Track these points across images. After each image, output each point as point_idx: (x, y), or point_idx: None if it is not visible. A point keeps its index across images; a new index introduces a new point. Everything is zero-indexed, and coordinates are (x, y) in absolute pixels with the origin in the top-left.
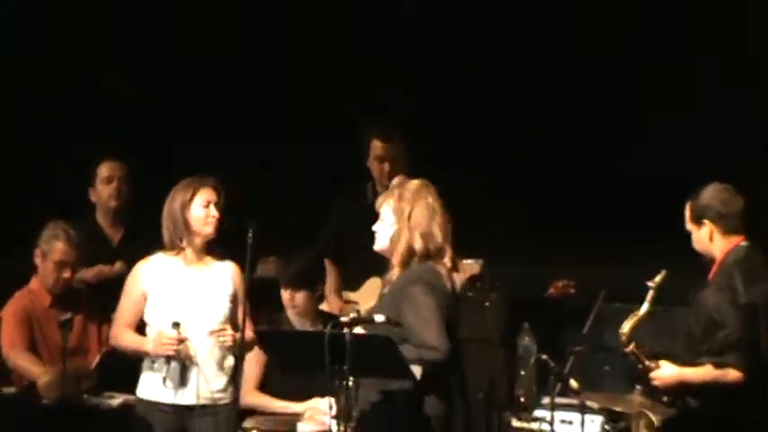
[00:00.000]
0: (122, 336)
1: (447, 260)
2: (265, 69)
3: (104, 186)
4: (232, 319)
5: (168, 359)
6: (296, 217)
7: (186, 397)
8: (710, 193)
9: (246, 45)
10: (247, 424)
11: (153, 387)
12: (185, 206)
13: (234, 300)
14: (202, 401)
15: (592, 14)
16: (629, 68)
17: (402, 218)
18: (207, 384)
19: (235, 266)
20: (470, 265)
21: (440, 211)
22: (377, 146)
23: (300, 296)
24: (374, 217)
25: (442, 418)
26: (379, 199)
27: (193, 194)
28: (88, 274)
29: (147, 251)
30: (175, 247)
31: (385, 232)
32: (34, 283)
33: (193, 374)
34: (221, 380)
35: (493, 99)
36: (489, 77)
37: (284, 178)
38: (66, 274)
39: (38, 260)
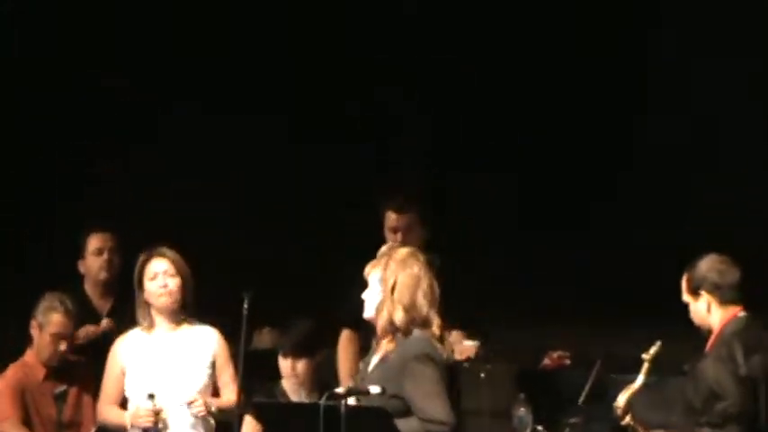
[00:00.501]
0: (105, 412)
1: (435, 329)
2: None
3: (94, 258)
4: (213, 385)
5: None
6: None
7: None
8: (707, 264)
9: (247, 45)
10: None
11: None
12: (139, 284)
13: (213, 365)
14: None
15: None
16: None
17: (386, 288)
18: None
19: (213, 330)
20: (467, 347)
21: (426, 279)
22: (391, 217)
23: (302, 364)
24: None
25: None
26: (367, 267)
27: (141, 271)
28: (77, 336)
29: (135, 322)
30: (147, 323)
31: (372, 300)
32: (29, 356)
33: None
34: None
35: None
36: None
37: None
38: (63, 347)
39: (34, 332)
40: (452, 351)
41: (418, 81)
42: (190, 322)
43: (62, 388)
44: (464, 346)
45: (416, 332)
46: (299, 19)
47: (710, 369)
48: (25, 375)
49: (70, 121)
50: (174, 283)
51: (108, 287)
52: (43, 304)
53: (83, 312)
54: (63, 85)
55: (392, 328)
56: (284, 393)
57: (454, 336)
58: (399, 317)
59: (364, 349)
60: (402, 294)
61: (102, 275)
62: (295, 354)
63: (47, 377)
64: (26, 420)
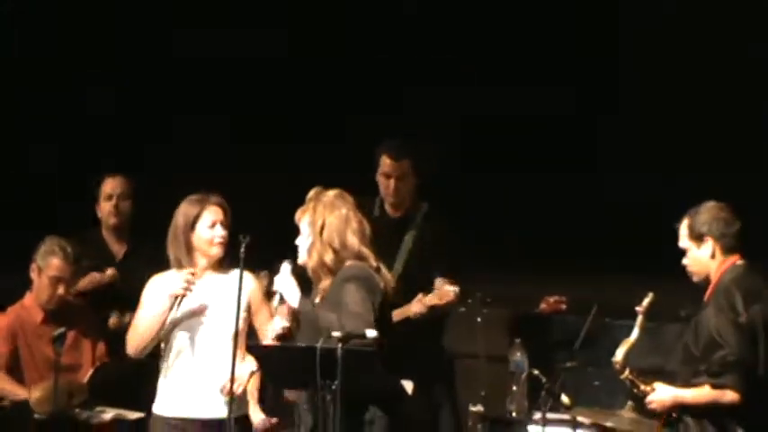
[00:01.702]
0: (138, 321)
1: (372, 262)
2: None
3: (105, 203)
4: (249, 326)
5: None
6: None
7: (201, 411)
8: (712, 212)
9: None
10: None
11: (167, 402)
12: (190, 228)
13: (249, 308)
14: (216, 416)
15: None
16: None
17: (314, 230)
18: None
19: (248, 274)
20: (447, 292)
21: (355, 218)
22: (385, 162)
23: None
24: (377, 230)
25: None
26: (297, 213)
27: (198, 215)
28: (82, 283)
29: (150, 268)
30: (182, 267)
31: (304, 246)
32: (28, 299)
33: (209, 390)
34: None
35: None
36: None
37: (276, 183)
38: (61, 291)
39: (33, 275)
40: (390, 284)
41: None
42: (226, 268)
43: (61, 330)
44: (444, 291)
45: (349, 262)
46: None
47: (711, 318)
48: (21, 317)
49: (72, 122)
50: (226, 233)
51: (119, 232)
52: (43, 248)
53: (99, 254)
54: (63, 85)
55: (324, 269)
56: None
57: (438, 282)
58: (329, 257)
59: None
60: (330, 235)
61: (112, 220)
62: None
63: (45, 320)
64: (19, 362)
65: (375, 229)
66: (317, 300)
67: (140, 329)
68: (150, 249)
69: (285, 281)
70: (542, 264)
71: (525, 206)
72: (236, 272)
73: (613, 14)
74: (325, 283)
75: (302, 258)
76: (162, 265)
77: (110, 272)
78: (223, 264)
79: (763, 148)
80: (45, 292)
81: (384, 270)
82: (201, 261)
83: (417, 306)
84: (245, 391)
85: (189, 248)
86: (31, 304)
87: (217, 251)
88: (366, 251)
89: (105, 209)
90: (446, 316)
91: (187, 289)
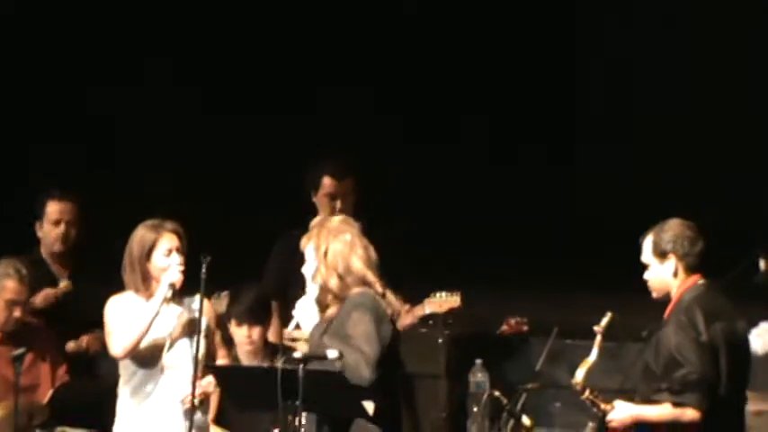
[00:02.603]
0: (126, 332)
1: (377, 287)
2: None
3: (51, 227)
4: (210, 353)
5: None
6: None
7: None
8: (677, 229)
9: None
10: None
11: (129, 427)
12: (146, 257)
13: (208, 333)
14: None
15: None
16: None
17: (319, 256)
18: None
19: (205, 300)
20: (448, 299)
21: (360, 244)
22: (328, 183)
23: (257, 332)
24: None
25: None
26: (302, 240)
27: (154, 243)
28: (36, 300)
29: (96, 289)
30: (147, 293)
31: (310, 272)
32: None
33: (172, 414)
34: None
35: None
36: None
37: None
38: (17, 314)
39: None
40: (396, 308)
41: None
42: (180, 294)
43: (20, 350)
44: (446, 299)
45: (356, 289)
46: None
47: (671, 336)
48: None
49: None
50: (182, 259)
51: (63, 257)
52: None
53: (40, 275)
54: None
55: (329, 295)
56: (237, 360)
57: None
58: (334, 282)
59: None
60: (335, 260)
61: (57, 247)
62: (251, 322)
63: (1, 341)
64: None
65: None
66: (323, 325)
67: (131, 330)
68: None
69: (306, 307)
70: (503, 284)
71: (485, 227)
72: (192, 299)
73: None
74: (332, 310)
75: (309, 286)
76: (109, 285)
77: (63, 284)
78: (179, 290)
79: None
80: (1, 315)
81: (390, 295)
82: (157, 287)
83: (408, 318)
84: (206, 417)
85: (145, 276)
86: None
87: (179, 277)
88: (372, 276)
89: (52, 233)
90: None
91: (183, 272)
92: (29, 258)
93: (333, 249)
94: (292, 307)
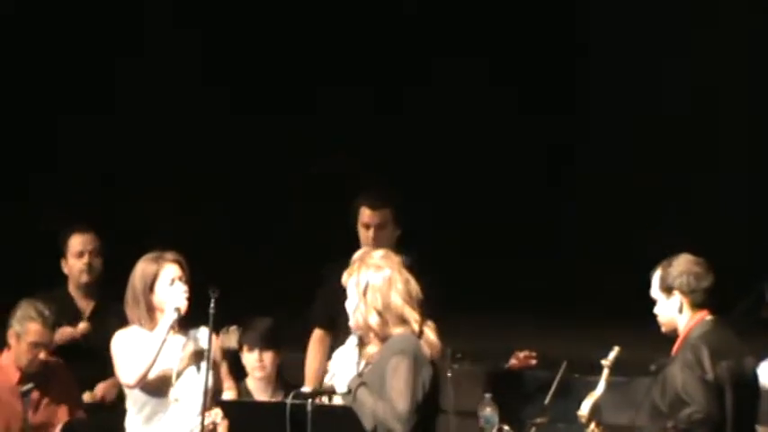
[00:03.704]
0: (135, 366)
1: (414, 325)
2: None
3: (75, 260)
4: (216, 385)
5: None
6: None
7: None
8: (684, 265)
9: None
10: None
11: None
12: (149, 289)
13: (214, 365)
14: None
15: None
16: None
17: (358, 292)
18: None
19: (206, 330)
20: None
21: (400, 279)
22: (364, 213)
23: (268, 357)
24: None
25: None
26: (344, 275)
27: (156, 275)
28: (54, 339)
29: (119, 324)
30: (151, 325)
31: (351, 309)
32: (5, 358)
33: None
34: None
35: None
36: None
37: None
38: (42, 356)
39: (11, 341)
40: (434, 344)
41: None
42: (185, 327)
43: (28, 386)
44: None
45: (397, 330)
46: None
47: (677, 374)
48: None
49: None
50: (186, 287)
51: (89, 289)
52: (19, 313)
53: (66, 312)
54: None
55: (369, 333)
56: (248, 393)
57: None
58: (374, 320)
59: (334, 349)
60: (374, 296)
61: (84, 278)
62: (262, 346)
63: (21, 380)
64: None
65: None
66: (363, 366)
67: (141, 359)
68: (117, 305)
69: (345, 358)
70: (512, 318)
71: (485, 259)
72: (196, 330)
73: None
74: (373, 349)
75: (352, 322)
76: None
77: (82, 326)
78: (183, 321)
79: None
80: (24, 357)
81: (429, 332)
82: (161, 319)
83: None
84: None
85: (149, 309)
86: (9, 364)
87: (185, 307)
88: (408, 314)
89: (76, 266)
90: None
91: (188, 299)
92: (56, 294)
93: (372, 285)
94: (339, 338)
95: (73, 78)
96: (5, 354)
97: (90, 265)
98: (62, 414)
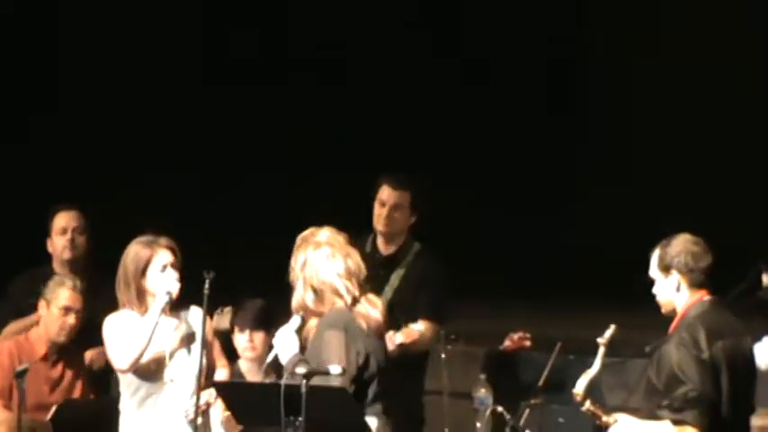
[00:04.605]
0: (131, 343)
1: (347, 299)
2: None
3: (59, 237)
4: (209, 365)
5: None
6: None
7: None
8: (682, 245)
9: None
10: None
11: None
12: (141, 274)
13: (207, 345)
14: None
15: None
16: None
17: (296, 268)
18: None
19: (199, 309)
20: (413, 332)
21: (340, 255)
22: (384, 190)
23: (259, 338)
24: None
25: None
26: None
27: (148, 260)
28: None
29: (107, 304)
30: (143, 308)
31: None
32: (34, 333)
33: (175, 426)
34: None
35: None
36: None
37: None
38: (72, 321)
39: (42, 311)
40: (372, 318)
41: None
42: (177, 308)
43: (24, 366)
44: (409, 330)
45: (332, 305)
46: None
47: (673, 353)
48: (22, 349)
49: None
50: (177, 275)
51: (74, 266)
52: (51, 283)
53: None
54: None
55: (306, 309)
56: (241, 374)
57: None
58: (309, 297)
59: None
60: (311, 273)
61: (66, 255)
62: (252, 327)
63: (45, 357)
64: (10, 393)
65: (367, 266)
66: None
67: (134, 343)
68: (107, 286)
69: (286, 337)
70: (506, 300)
71: (489, 242)
72: (187, 311)
73: None
74: (311, 324)
75: (293, 301)
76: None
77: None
78: (175, 303)
79: None
80: (55, 324)
81: (368, 306)
82: (153, 302)
83: (389, 344)
84: (208, 428)
85: (140, 293)
86: (37, 340)
87: (176, 293)
88: (343, 289)
89: (59, 243)
90: (425, 356)
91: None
92: (35, 274)
93: (310, 263)
94: None
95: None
96: (34, 329)
97: (73, 242)
98: (76, 394)
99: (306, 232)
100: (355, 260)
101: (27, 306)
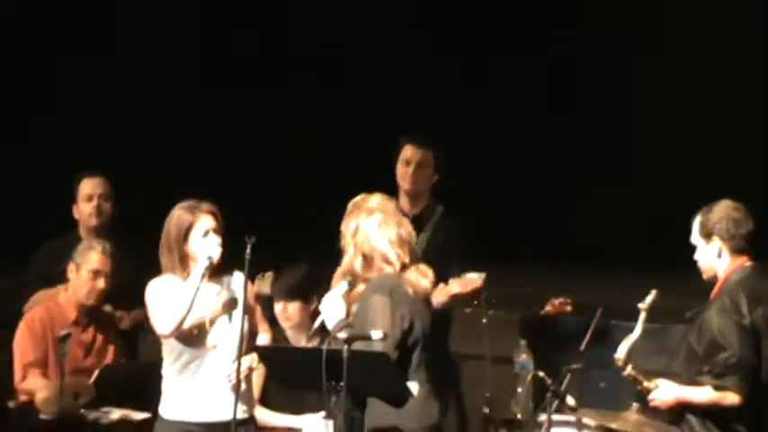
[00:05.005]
0: (173, 310)
1: (396, 266)
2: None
3: (85, 204)
4: (251, 330)
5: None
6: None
7: (211, 414)
8: (724, 211)
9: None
10: None
11: (176, 406)
12: (183, 239)
13: (249, 310)
14: (226, 418)
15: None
16: None
17: (347, 235)
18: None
19: (240, 274)
20: (472, 280)
21: (392, 223)
22: (406, 149)
23: (294, 308)
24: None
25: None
26: (343, 222)
27: (191, 225)
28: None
29: (134, 269)
30: (185, 274)
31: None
32: (63, 298)
33: (218, 391)
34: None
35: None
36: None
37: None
38: (102, 284)
39: (71, 275)
40: (420, 285)
41: None
42: (219, 274)
43: (66, 331)
44: (469, 279)
45: (381, 270)
46: None
47: (714, 319)
48: (53, 315)
49: None
50: (220, 240)
51: (100, 233)
52: (80, 247)
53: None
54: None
55: (354, 274)
56: (286, 339)
57: (451, 281)
58: (359, 262)
59: None
60: (362, 240)
61: (93, 221)
62: (286, 298)
63: (76, 321)
64: (46, 361)
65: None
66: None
67: (176, 308)
68: (132, 251)
69: (333, 302)
70: (548, 265)
71: (531, 206)
72: (230, 277)
73: None
74: (359, 290)
75: (341, 266)
76: (145, 266)
77: (124, 322)
78: (217, 269)
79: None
80: (85, 287)
81: (416, 274)
82: (195, 268)
83: (439, 296)
84: (251, 393)
85: (183, 258)
86: (67, 304)
87: (218, 257)
88: (393, 255)
89: (86, 210)
90: (449, 320)
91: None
92: (69, 239)
93: (362, 229)
94: None
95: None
96: (63, 293)
97: (99, 209)
98: (110, 359)
99: (357, 198)
100: (407, 228)
101: (54, 273)
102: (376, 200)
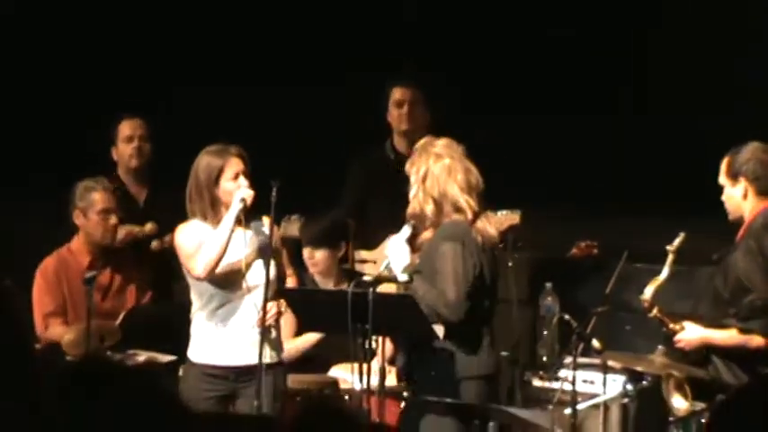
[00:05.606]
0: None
1: (469, 215)
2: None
3: (125, 145)
4: (280, 273)
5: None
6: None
7: (240, 358)
8: (750, 152)
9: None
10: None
11: (205, 350)
12: (213, 182)
13: (276, 253)
14: (254, 362)
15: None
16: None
17: (417, 179)
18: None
19: (267, 219)
20: (508, 216)
21: (461, 169)
22: (396, 91)
23: (321, 254)
24: (392, 173)
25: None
26: (407, 163)
27: (221, 169)
28: (119, 235)
29: (174, 210)
30: (216, 218)
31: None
32: (75, 243)
33: (247, 336)
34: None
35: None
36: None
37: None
38: (113, 221)
39: (78, 220)
40: (488, 234)
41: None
42: (246, 219)
43: (92, 273)
44: (505, 216)
45: (450, 217)
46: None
47: (740, 262)
48: (67, 262)
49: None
50: (248, 182)
51: (140, 174)
52: (78, 191)
53: (121, 199)
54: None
55: (424, 219)
56: (314, 282)
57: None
58: (429, 208)
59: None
60: (432, 184)
61: (133, 163)
62: (314, 244)
63: (91, 265)
64: (65, 308)
65: (390, 173)
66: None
67: (209, 250)
68: (170, 193)
69: (398, 246)
70: (574, 207)
71: (556, 149)
72: (259, 222)
73: None
74: (426, 235)
75: (409, 209)
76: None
77: (149, 227)
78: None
79: None
80: (98, 229)
81: (485, 222)
82: (226, 213)
83: None
84: (279, 337)
85: (213, 202)
86: (78, 249)
87: (250, 194)
88: (464, 203)
89: (126, 151)
90: None
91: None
92: (108, 180)
93: (431, 173)
94: (370, 228)
95: None
96: (75, 239)
97: (139, 149)
98: (131, 300)
99: (423, 140)
100: (475, 174)
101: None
102: (442, 144)
